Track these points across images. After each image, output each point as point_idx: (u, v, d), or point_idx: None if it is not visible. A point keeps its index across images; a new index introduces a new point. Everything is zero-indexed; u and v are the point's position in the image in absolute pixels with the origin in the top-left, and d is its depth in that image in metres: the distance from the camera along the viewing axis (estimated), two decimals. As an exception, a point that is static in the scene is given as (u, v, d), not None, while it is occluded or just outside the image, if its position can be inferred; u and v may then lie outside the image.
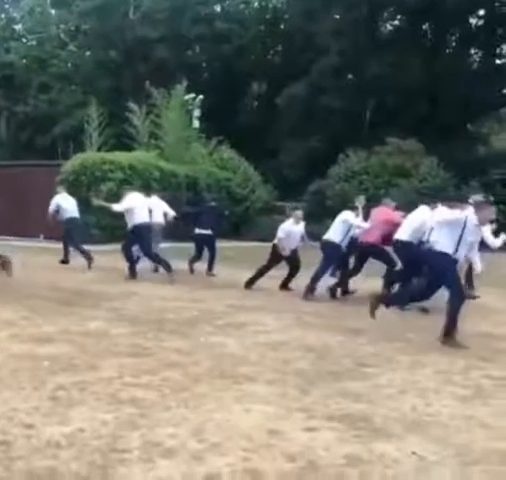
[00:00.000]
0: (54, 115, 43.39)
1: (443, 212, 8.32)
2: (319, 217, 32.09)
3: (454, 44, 44.08)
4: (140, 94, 33.75)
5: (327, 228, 12.13)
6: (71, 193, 16.65)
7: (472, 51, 44.49)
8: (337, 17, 42.90)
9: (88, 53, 48.71)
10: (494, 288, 12.53)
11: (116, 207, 13.19)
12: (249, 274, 12.46)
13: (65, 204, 15.38)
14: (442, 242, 7.68)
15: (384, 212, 11.70)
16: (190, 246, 15.38)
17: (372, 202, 13.78)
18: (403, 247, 10.57)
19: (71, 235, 15.13)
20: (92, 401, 4.67)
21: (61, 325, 7.51)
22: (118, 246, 13.76)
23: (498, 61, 44.23)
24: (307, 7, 42.14)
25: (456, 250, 7.58)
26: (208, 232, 14.89)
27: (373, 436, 4.17)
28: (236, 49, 44.26)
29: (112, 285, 11.57)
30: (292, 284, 12.07)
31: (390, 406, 4.83)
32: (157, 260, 13.21)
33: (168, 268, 12.73)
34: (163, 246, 17.34)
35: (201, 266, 14.85)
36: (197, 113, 31.72)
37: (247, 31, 45.49)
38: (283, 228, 12.24)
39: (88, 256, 14.37)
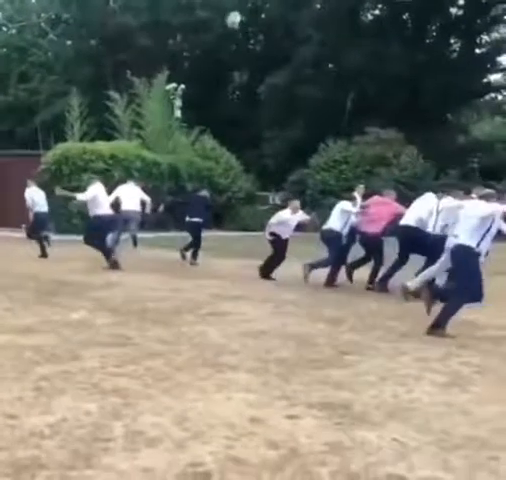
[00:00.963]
0: (35, 105, 43.02)
1: (481, 205, 7.94)
2: (300, 206, 32.23)
3: (434, 34, 44.10)
4: (122, 83, 33.58)
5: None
6: (53, 184, 16.70)
7: (452, 41, 44.54)
8: (318, 6, 42.85)
9: (69, 42, 48.23)
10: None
11: (80, 196, 13.18)
12: (232, 263, 12.48)
13: (36, 197, 15.33)
14: (468, 234, 7.59)
15: (389, 204, 11.75)
16: (176, 236, 15.39)
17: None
18: (412, 232, 10.65)
19: (35, 227, 15.14)
20: (75, 391, 4.68)
21: (43, 315, 7.51)
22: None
23: (478, 51, 44.34)
24: (288, -4, 42.08)
25: (479, 243, 7.55)
26: (197, 220, 15.04)
27: (354, 423, 4.21)
28: (217, 38, 44.04)
29: (94, 275, 11.56)
30: (275, 274, 12.10)
31: (371, 393, 4.89)
32: (108, 253, 13.07)
33: (109, 258, 12.83)
34: (150, 236, 17.40)
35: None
36: (179, 103, 31.59)
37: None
38: (279, 215, 12.25)
39: (43, 246, 14.58)
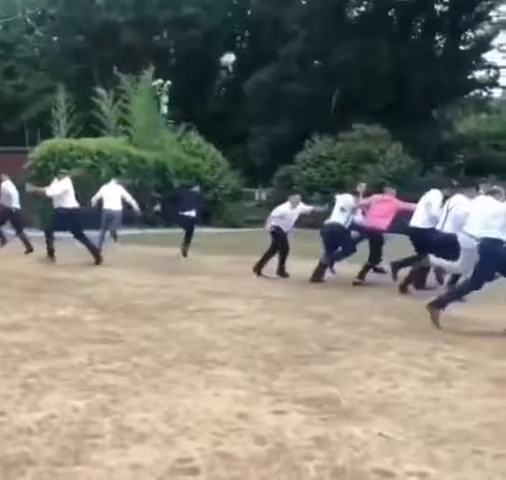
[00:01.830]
0: (21, 101, 42.85)
1: (492, 202, 8.31)
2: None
3: (420, 30, 44.22)
4: (108, 79, 33.48)
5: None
6: (40, 179, 16.85)
7: (437, 37, 44.66)
8: (304, 3, 42.84)
9: (55, 38, 48.04)
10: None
11: (49, 192, 13.20)
12: (219, 259, 12.48)
13: (13, 191, 15.39)
14: (498, 231, 7.88)
15: (391, 201, 11.83)
16: (164, 232, 15.45)
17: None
18: (423, 233, 10.74)
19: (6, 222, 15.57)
20: (63, 388, 4.69)
21: (31, 312, 7.51)
22: (88, 233, 13.68)
23: (462, 47, 44.47)
24: (274, -8, 42.03)
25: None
26: (190, 214, 15.41)
27: (340, 418, 4.24)
28: (204, 35, 43.96)
29: (82, 272, 11.55)
30: (265, 270, 12.11)
31: (357, 389, 4.92)
32: (50, 246, 13.16)
33: (52, 255, 12.96)
34: (138, 232, 17.51)
35: (170, 251, 14.88)
36: (165, 99, 31.58)
37: (214, 17, 45.21)
38: (279, 209, 12.23)
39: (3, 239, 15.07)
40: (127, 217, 18.36)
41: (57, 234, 14.09)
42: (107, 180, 17.43)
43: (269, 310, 8.42)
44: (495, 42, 44.90)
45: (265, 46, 41.97)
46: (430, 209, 10.77)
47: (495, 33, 44.13)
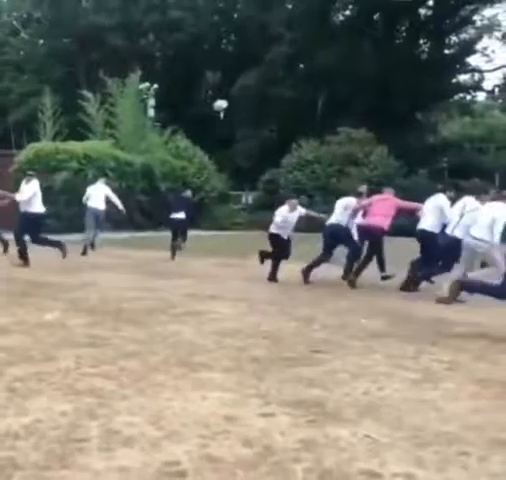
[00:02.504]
0: (7, 104, 42.69)
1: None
2: (272, 206, 32.38)
3: (404, 34, 44.48)
4: (94, 83, 33.47)
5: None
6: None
7: (421, 41, 44.96)
8: (289, 7, 42.98)
9: (41, 41, 47.93)
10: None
11: (18, 197, 13.16)
12: (206, 262, 12.48)
13: None
14: None
15: (390, 199, 11.98)
16: (151, 236, 15.49)
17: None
18: (436, 238, 11.02)
19: None
20: (50, 392, 4.68)
21: (17, 316, 7.47)
22: (76, 236, 13.72)
23: (447, 51, 44.74)
24: (260, -4, 42.20)
25: None
26: (181, 216, 16.00)
27: (327, 421, 4.25)
28: (190, 38, 44.00)
29: (69, 276, 11.52)
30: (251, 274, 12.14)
31: (343, 391, 4.94)
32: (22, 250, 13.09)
33: (26, 259, 12.84)
34: (125, 236, 17.58)
35: (157, 254, 14.86)
36: (152, 102, 31.59)
37: (200, 20, 45.26)
38: (281, 214, 12.06)
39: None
40: (114, 220, 18.53)
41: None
42: (94, 182, 17.78)
43: (255, 313, 8.43)
44: (479, 46, 45.37)
45: (251, 50, 42.07)
46: (444, 213, 10.99)
47: (479, 37, 44.51)
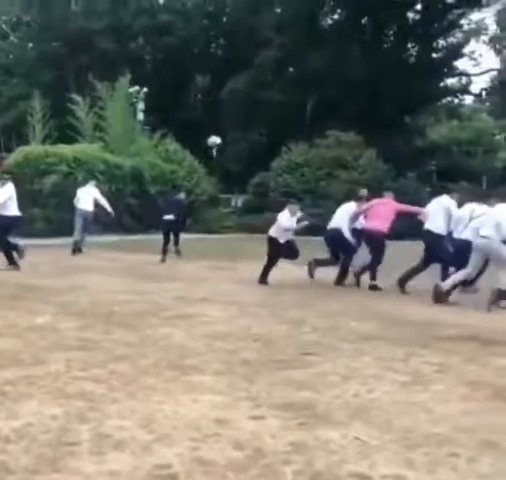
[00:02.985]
0: (-4, 107, 42.61)
1: None
2: (262, 209, 32.44)
3: (392, 38, 44.64)
4: (84, 86, 33.43)
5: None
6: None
7: (409, 45, 45.15)
8: (278, 11, 43.07)
9: (30, 44, 47.87)
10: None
11: None
12: (196, 265, 12.46)
13: None
14: None
15: (390, 203, 12.12)
16: (142, 239, 15.53)
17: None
18: (442, 240, 11.19)
19: None
20: (40, 395, 4.67)
21: (8, 320, 7.46)
22: (65, 240, 13.69)
23: (434, 55, 44.94)
24: (249, 0, 42.22)
25: None
26: (172, 217, 16.12)
27: (318, 423, 4.26)
28: (179, 42, 44.01)
29: (59, 279, 11.49)
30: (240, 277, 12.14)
31: (333, 393, 4.95)
32: (9, 249, 13.02)
33: (13, 261, 12.77)
34: (115, 239, 17.60)
35: (147, 257, 14.85)
36: (141, 106, 31.58)
37: (190, 24, 45.28)
38: (288, 219, 12.02)
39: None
40: (104, 223, 18.58)
41: (32, 242, 14.09)
42: (84, 184, 18.02)
43: (246, 316, 8.44)
44: (466, 50, 45.58)
45: (240, 53, 42.14)
46: (452, 213, 11.13)
47: (466, 41, 44.73)
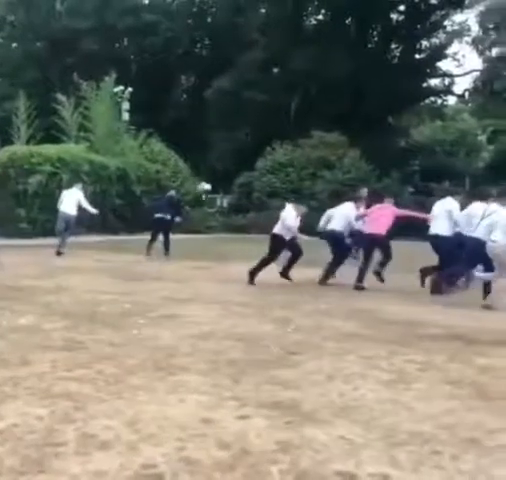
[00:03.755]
0: (-20, 108, 42.32)
1: None
2: (246, 209, 32.53)
3: (376, 39, 44.82)
4: (69, 86, 33.31)
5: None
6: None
7: (393, 46, 45.36)
8: (263, 11, 43.10)
9: (15, 44, 47.69)
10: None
11: None
12: (181, 265, 12.44)
13: None
14: None
15: (389, 208, 12.35)
16: (126, 239, 15.49)
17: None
18: (449, 241, 11.32)
19: None
20: (25, 396, 4.66)
21: (-9, 321, 7.43)
22: (50, 240, 13.66)
23: (418, 56, 45.16)
24: (234, 1, 42.21)
25: None
26: (163, 216, 16.31)
27: (303, 422, 4.28)
28: (164, 42, 43.95)
29: (43, 280, 11.45)
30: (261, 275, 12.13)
31: (318, 392, 4.98)
32: None
33: None
34: (100, 239, 17.55)
35: (132, 257, 14.83)
36: (126, 105, 31.51)
37: (175, 24, 45.22)
38: (295, 219, 12.09)
39: None
40: (89, 224, 18.57)
41: (16, 242, 14.03)
42: (69, 186, 18.03)
43: (231, 315, 8.45)
44: (449, 51, 45.84)
45: (225, 53, 42.15)
46: (453, 216, 11.30)
47: (449, 42, 44.97)
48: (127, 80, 33.55)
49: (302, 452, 3.78)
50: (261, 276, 11.96)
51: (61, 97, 30.01)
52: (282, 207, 12.45)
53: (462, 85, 77.92)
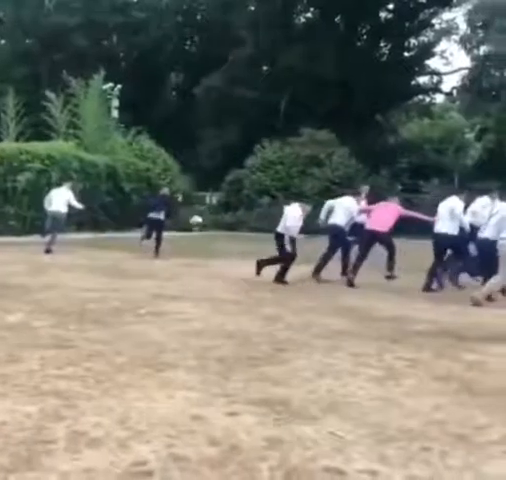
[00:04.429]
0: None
1: None
2: (236, 206, 32.54)
3: (365, 37, 44.91)
4: (58, 83, 33.18)
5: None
6: None
7: (382, 44, 45.46)
8: (252, 9, 43.09)
9: (3, 41, 47.51)
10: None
11: None
12: (170, 263, 12.42)
13: None
14: None
15: (394, 208, 12.46)
16: (113, 237, 15.47)
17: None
18: (447, 239, 11.43)
19: None
20: (14, 394, 4.64)
21: (-21, 319, 7.41)
22: (39, 238, 13.62)
23: (406, 54, 45.30)
24: (223, -2, 42.26)
25: None
26: (157, 216, 16.39)
27: (292, 419, 4.29)
28: (153, 39, 43.87)
29: (32, 277, 11.41)
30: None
31: (308, 389, 4.99)
32: None
33: None
34: (88, 237, 17.53)
35: (121, 255, 14.82)
36: (116, 103, 31.45)
37: (164, 21, 45.14)
38: (299, 217, 12.07)
39: None
40: (78, 221, 18.55)
41: (5, 240, 13.98)
42: (59, 184, 18.04)
43: (220, 312, 8.46)
44: (438, 49, 45.97)
45: (215, 51, 42.11)
46: (455, 214, 11.37)
47: (438, 40, 45.10)
48: (116, 77, 33.49)
49: (291, 448, 3.79)
50: (250, 273, 11.97)
51: (50, 94, 29.89)
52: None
53: (450, 83, 78.07)
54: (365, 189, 13.82)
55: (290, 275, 11.97)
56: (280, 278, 11.84)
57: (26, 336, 6.54)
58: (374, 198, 13.37)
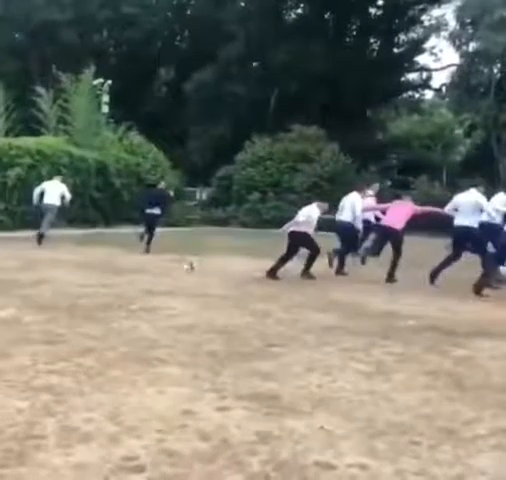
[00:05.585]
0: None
1: None
2: (226, 202, 32.56)
3: (355, 33, 44.95)
4: (48, 78, 33.09)
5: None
6: None
7: (372, 40, 45.50)
8: (243, 4, 43.04)
9: (-7, 36, 47.11)
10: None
11: None
12: (161, 258, 12.42)
13: None
14: None
15: (407, 205, 12.58)
16: (105, 232, 15.42)
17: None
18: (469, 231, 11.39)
19: None
20: (5, 389, 4.65)
21: (-31, 315, 7.39)
22: (29, 233, 13.59)
23: (396, 50, 45.37)
24: (213, -7, 42.16)
25: None
26: (153, 211, 16.45)
27: (282, 413, 4.32)
28: (144, 34, 43.72)
29: (23, 273, 11.37)
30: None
31: (298, 384, 5.02)
32: None
33: None
34: (79, 232, 17.52)
35: (112, 250, 14.80)
36: (106, 98, 31.34)
37: (154, 16, 44.99)
38: (311, 215, 12.10)
39: None
40: (68, 217, 18.54)
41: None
42: (49, 178, 18.11)
43: (210, 308, 8.48)
44: (427, 45, 46.03)
45: (205, 46, 41.99)
46: (483, 206, 11.44)
47: (427, 36, 45.19)
48: (106, 73, 33.35)
49: (282, 443, 3.82)
50: (240, 268, 11.99)
51: (40, 89, 29.79)
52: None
53: (439, 79, 78.56)
54: (375, 187, 13.83)
55: (282, 270, 12.00)
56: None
57: (17, 331, 6.53)
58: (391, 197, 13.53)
